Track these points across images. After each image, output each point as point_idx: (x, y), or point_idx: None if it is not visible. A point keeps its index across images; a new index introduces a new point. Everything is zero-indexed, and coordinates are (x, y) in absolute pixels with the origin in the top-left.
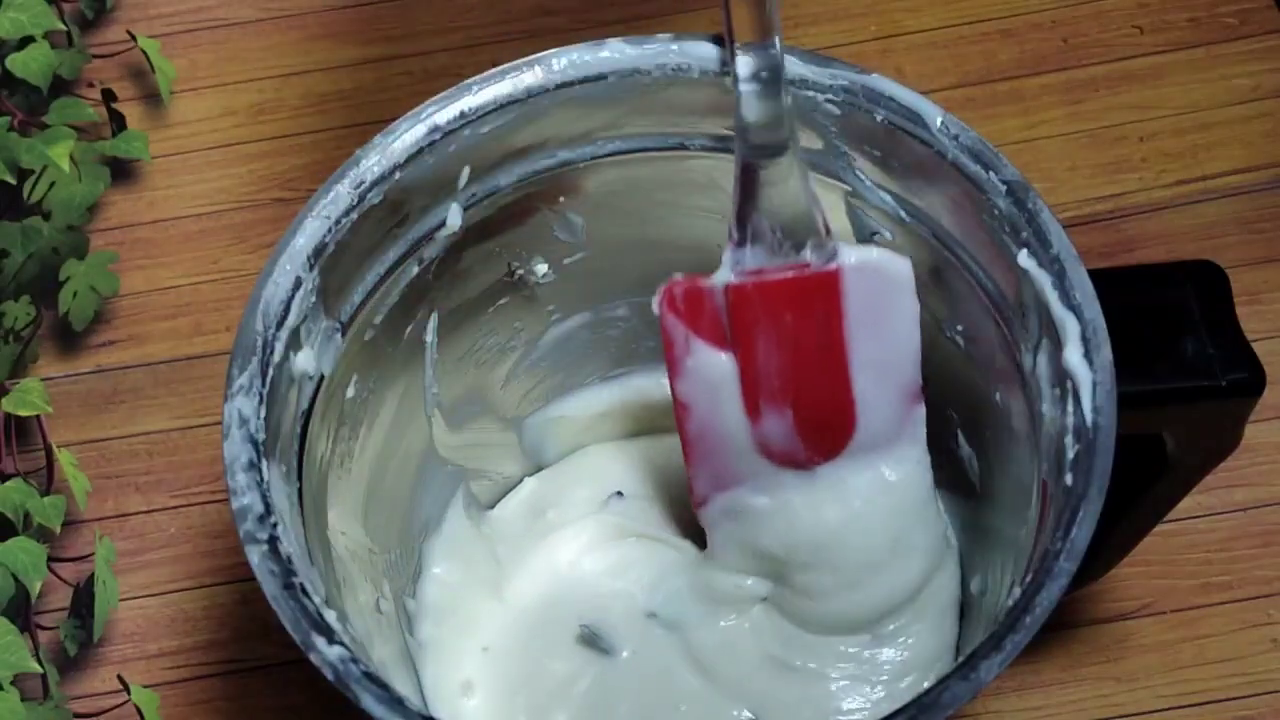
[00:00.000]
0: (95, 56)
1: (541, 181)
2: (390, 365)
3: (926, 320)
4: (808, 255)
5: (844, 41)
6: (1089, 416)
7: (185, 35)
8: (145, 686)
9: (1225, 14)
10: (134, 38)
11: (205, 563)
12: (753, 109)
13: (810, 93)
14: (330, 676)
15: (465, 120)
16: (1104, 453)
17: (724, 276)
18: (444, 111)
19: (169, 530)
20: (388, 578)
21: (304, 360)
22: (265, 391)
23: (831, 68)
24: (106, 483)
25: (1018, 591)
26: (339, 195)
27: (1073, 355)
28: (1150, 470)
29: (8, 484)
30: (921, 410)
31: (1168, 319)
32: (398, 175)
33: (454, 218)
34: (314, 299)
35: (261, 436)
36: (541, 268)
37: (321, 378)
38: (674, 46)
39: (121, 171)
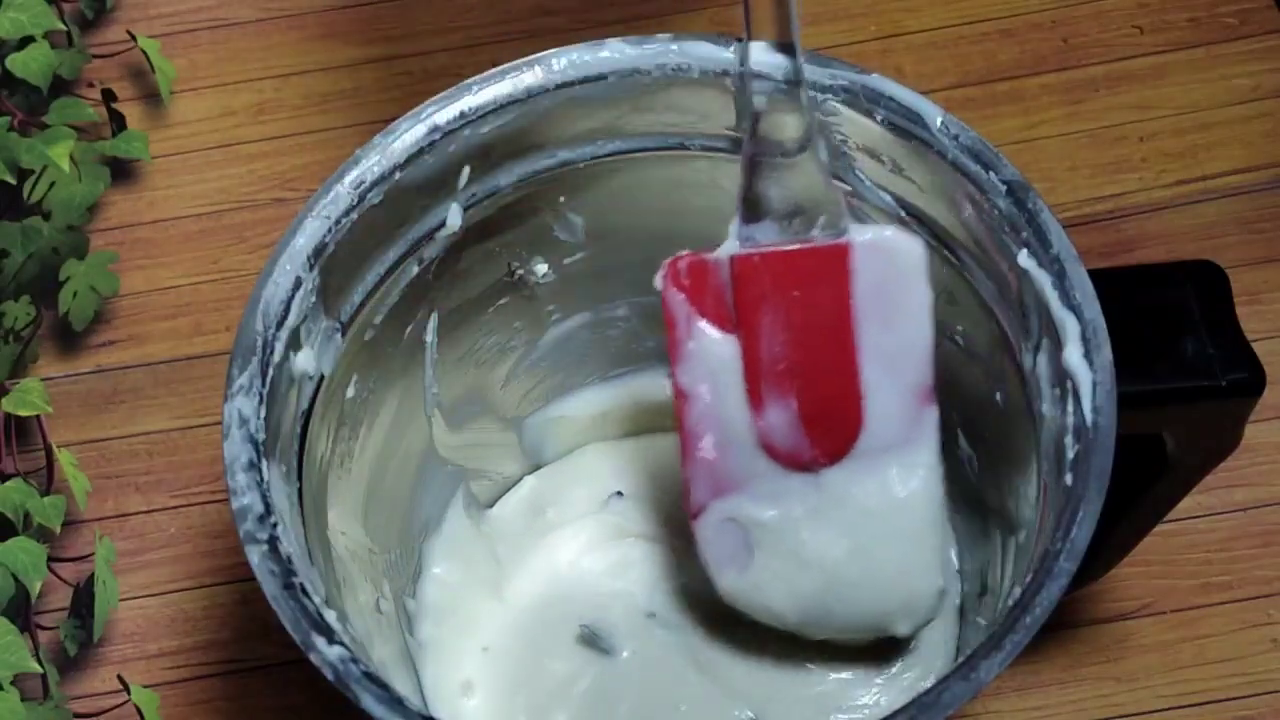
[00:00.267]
0: (95, 56)
1: (541, 181)
2: (390, 365)
3: None
4: (817, 234)
5: (844, 41)
6: (1089, 416)
7: (185, 35)
8: (145, 686)
9: (1225, 14)
10: (134, 38)
11: (205, 563)
12: (770, 108)
13: (810, 93)
14: (330, 676)
15: (465, 120)
16: (1104, 453)
17: (730, 248)
18: (444, 111)
19: (169, 530)
20: (388, 578)
21: (304, 360)
22: (265, 391)
23: (831, 68)
24: (106, 483)
25: (1018, 591)
26: (339, 195)
27: (1073, 355)
28: (1150, 470)
29: (8, 484)
30: (934, 413)
31: (1168, 319)
32: (398, 175)
33: (454, 218)
34: (314, 299)
35: (261, 436)
36: (541, 268)
37: (321, 378)
38: (674, 46)
39: (121, 171)
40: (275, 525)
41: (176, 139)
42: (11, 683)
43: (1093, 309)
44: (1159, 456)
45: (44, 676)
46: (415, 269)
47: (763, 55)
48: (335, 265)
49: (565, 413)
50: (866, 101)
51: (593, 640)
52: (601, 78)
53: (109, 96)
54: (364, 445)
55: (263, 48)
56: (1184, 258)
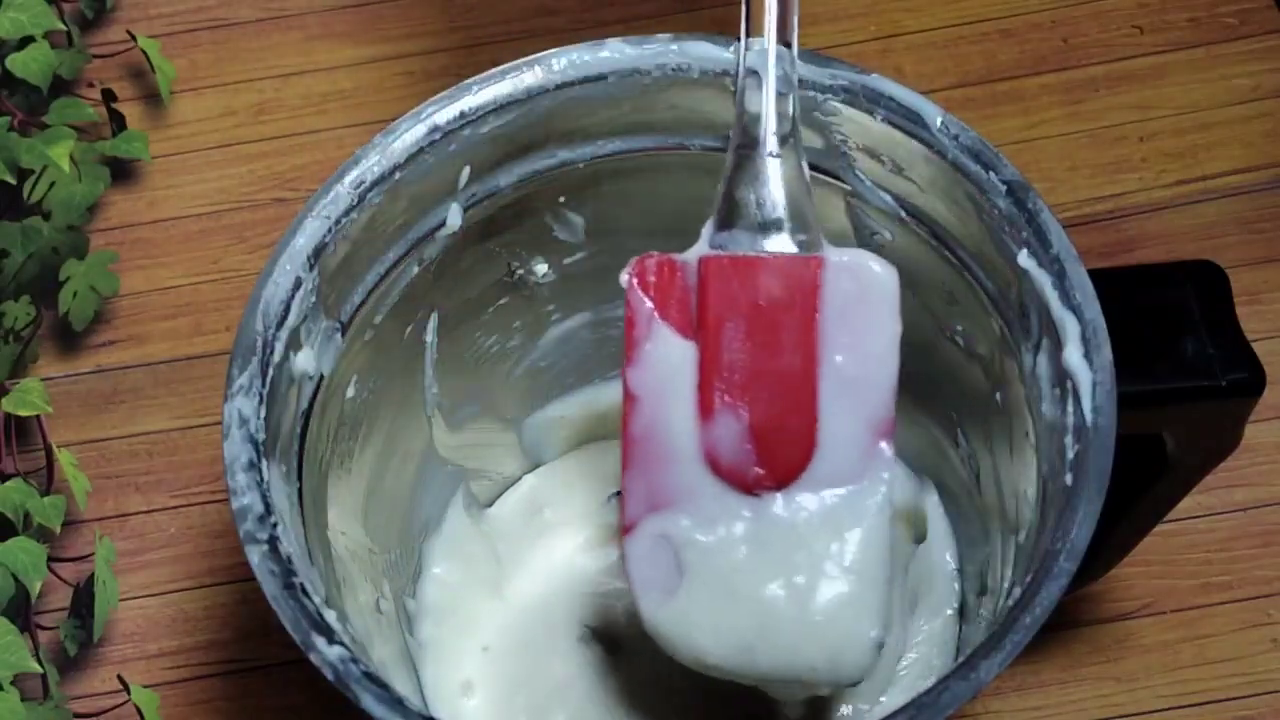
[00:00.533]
0: (95, 56)
1: (541, 181)
2: (390, 365)
3: (926, 320)
4: (790, 247)
5: (844, 41)
6: (1089, 416)
7: (185, 35)
8: (145, 686)
9: (1225, 14)
10: (134, 38)
11: (205, 563)
12: (758, 106)
13: (810, 93)
14: (330, 676)
15: (465, 120)
16: (1104, 453)
17: (700, 250)
18: (444, 111)
19: (169, 530)
20: (388, 578)
21: (304, 360)
22: (265, 391)
23: (831, 68)
24: (106, 483)
25: (1018, 591)
26: (339, 195)
27: (1073, 355)
28: (1150, 470)
29: (8, 484)
30: (888, 453)
31: (1168, 319)
32: (398, 175)
33: (454, 218)
34: (314, 299)
35: (261, 436)
36: (541, 268)
37: (321, 378)
38: (674, 46)
39: (121, 171)
40: (275, 525)
41: (176, 139)
42: (11, 683)
43: (1093, 309)
44: (1159, 456)
45: (44, 676)
46: (415, 269)
47: (758, 56)
48: (335, 265)
49: (565, 413)
50: (866, 101)
51: (593, 640)
52: (601, 78)
53: (109, 96)
54: (364, 445)
55: (263, 48)
56: (1184, 258)
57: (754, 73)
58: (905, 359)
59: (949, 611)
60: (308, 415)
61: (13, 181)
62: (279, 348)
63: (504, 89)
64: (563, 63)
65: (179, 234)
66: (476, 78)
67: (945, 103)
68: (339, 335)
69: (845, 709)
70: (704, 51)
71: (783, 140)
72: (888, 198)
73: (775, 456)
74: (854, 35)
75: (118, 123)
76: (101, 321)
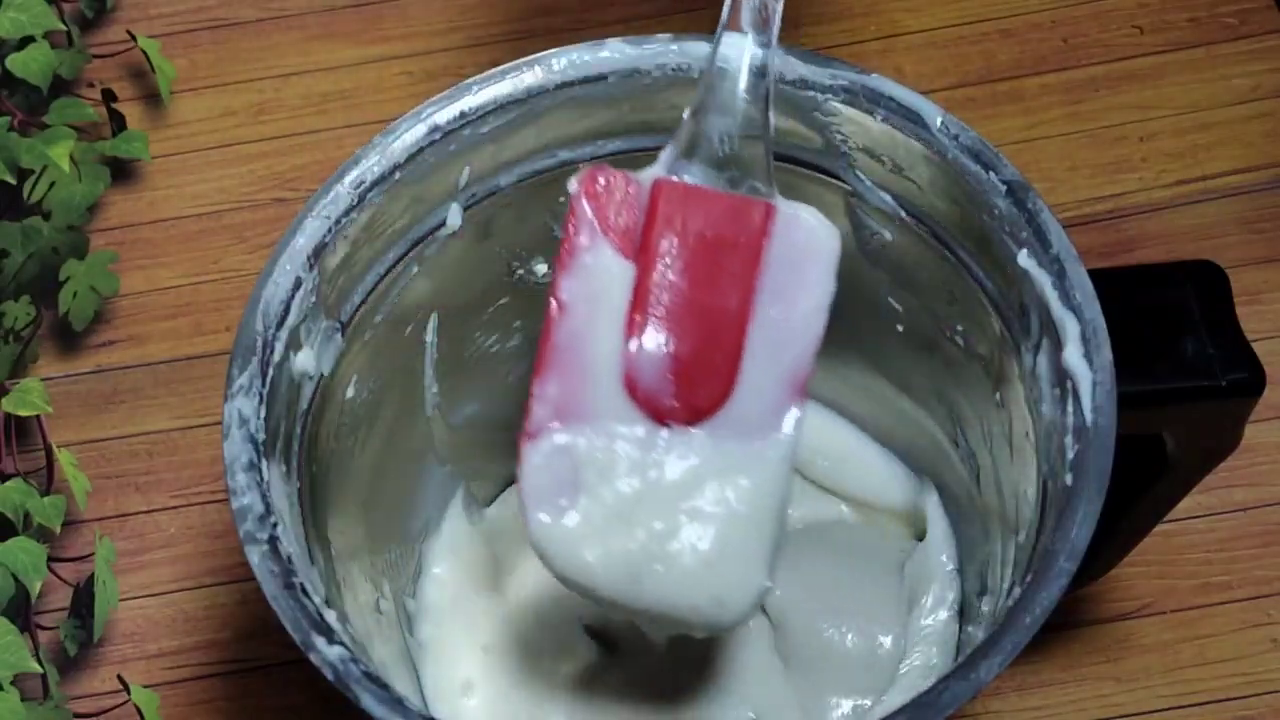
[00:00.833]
0: (95, 56)
1: (541, 181)
2: (390, 365)
3: (926, 320)
4: (744, 188)
5: (844, 41)
6: (1089, 416)
7: (185, 35)
8: (145, 686)
9: (1225, 14)
10: (134, 38)
11: (205, 563)
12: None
13: (810, 93)
14: (330, 676)
15: (465, 120)
16: (1104, 453)
17: (656, 173)
18: (444, 111)
19: (169, 530)
20: (388, 578)
21: (304, 360)
22: (265, 391)
23: (831, 68)
24: (106, 483)
25: (1018, 591)
26: (339, 195)
27: (1073, 355)
28: (1150, 470)
29: (8, 484)
30: (798, 414)
31: (1168, 319)
32: (398, 175)
33: (454, 218)
34: (314, 299)
35: (261, 436)
36: (541, 268)
37: (321, 378)
38: (674, 46)
39: (121, 171)
40: (275, 525)
41: (176, 139)
42: (11, 683)
43: (1093, 309)
44: (1159, 456)
45: (44, 676)
46: (415, 269)
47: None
48: (335, 265)
49: None
50: (866, 101)
51: (592, 640)
52: (601, 78)
53: (109, 96)
54: (364, 445)
55: (263, 48)
56: (1184, 258)
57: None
58: (906, 360)
59: (949, 611)
60: (308, 415)
61: (13, 181)
62: (279, 348)
63: (504, 89)
64: (563, 63)
65: (179, 234)
66: (476, 78)
67: (945, 103)
68: (339, 335)
69: (845, 708)
70: (704, 51)
71: (755, 82)
72: (888, 198)
73: (693, 392)
74: (854, 35)
75: (118, 123)
76: (101, 321)
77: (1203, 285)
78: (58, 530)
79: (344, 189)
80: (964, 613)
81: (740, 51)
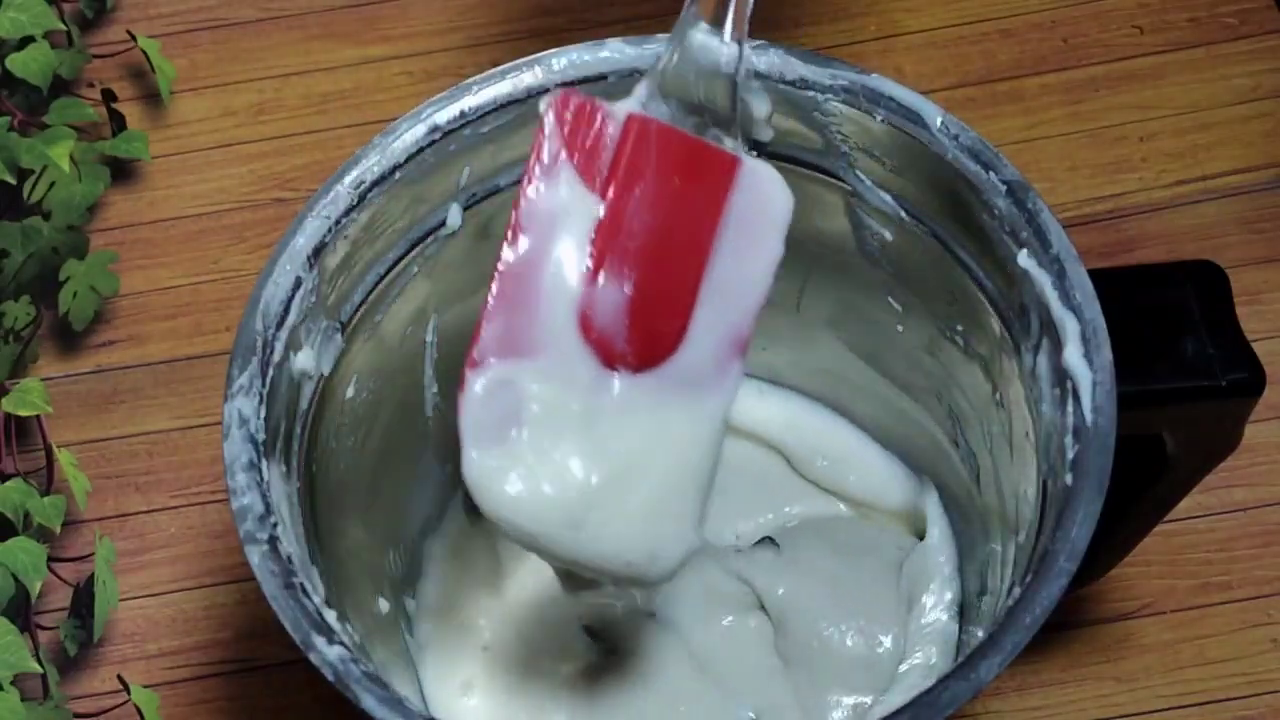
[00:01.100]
0: (95, 56)
1: None
2: (390, 365)
3: (926, 320)
4: (713, 137)
5: (844, 41)
6: (1089, 416)
7: (185, 35)
8: (145, 686)
9: (1225, 14)
10: (134, 38)
11: (205, 563)
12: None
13: (810, 93)
14: (330, 676)
15: (465, 120)
16: (1104, 453)
17: (630, 107)
18: (444, 111)
19: (169, 530)
20: (388, 578)
21: (304, 360)
22: (265, 391)
23: (831, 68)
24: (106, 483)
25: (1018, 591)
26: (339, 195)
27: (1073, 355)
28: (1150, 470)
29: (8, 484)
30: (739, 370)
31: (1168, 319)
32: (398, 175)
33: (454, 218)
34: (314, 299)
35: (261, 436)
36: None
37: (321, 377)
38: None
39: (121, 171)
40: (275, 525)
41: (176, 139)
42: (11, 683)
43: (1093, 309)
44: (1159, 456)
45: (44, 676)
46: (415, 269)
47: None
48: (335, 265)
49: None
50: (866, 101)
51: (592, 640)
52: (601, 78)
53: (109, 96)
54: (364, 445)
55: (263, 48)
56: (1184, 258)
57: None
58: (906, 360)
59: (949, 612)
60: (308, 415)
61: (13, 181)
62: (279, 348)
63: (504, 89)
64: (563, 63)
65: (179, 234)
66: (476, 78)
67: (945, 103)
68: (339, 335)
69: (845, 708)
70: None
71: (735, 30)
72: (888, 198)
73: (645, 338)
74: (854, 35)
75: (118, 123)
76: (101, 321)
77: (1203, 285)
78: (58, 530)
79: (344, 189)
80: (964, 613)
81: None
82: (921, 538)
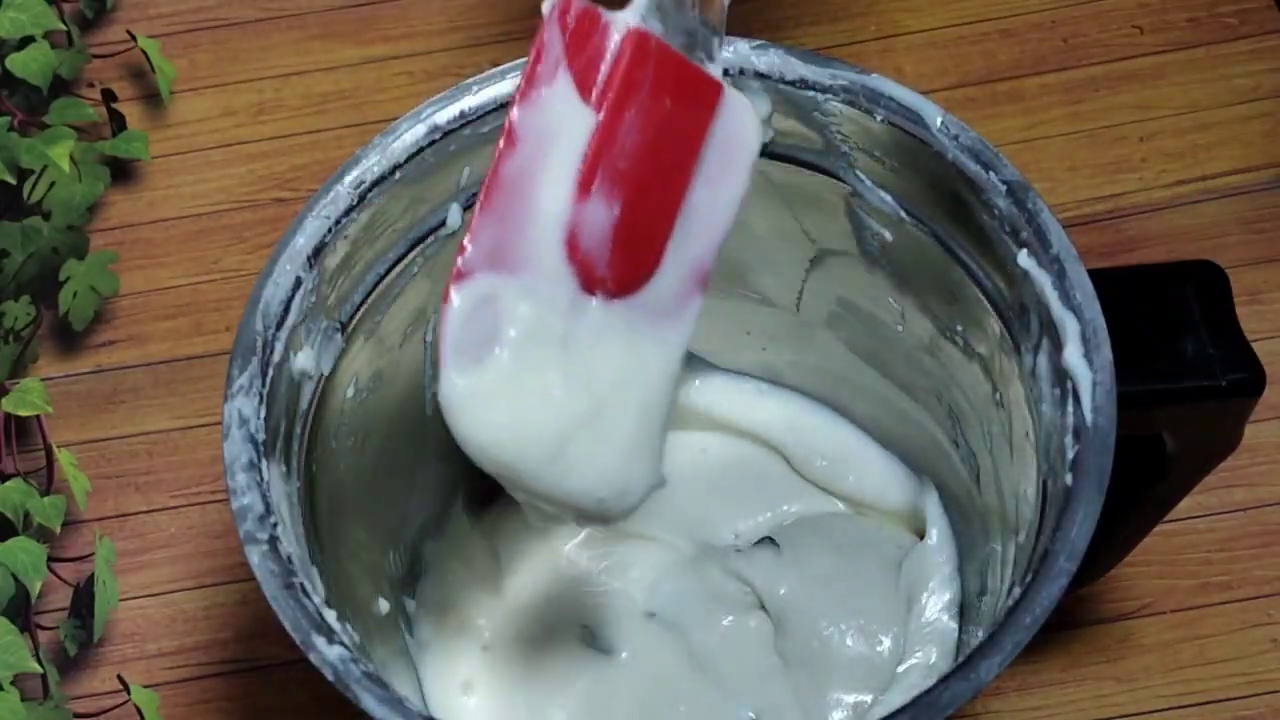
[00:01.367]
0: (95, 56)
1: None
2: (390, 365)
3: (926, 320)
4: (702, 61)
5: (844, 41)
6: (1089, 416)
7: (185, 35)
8: (145, 686)
9: (1225, 14)
10: (134, 38)
11: (205, 563)
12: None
13: (810, 93)
14: (330, 676)
15: (465, 120)
16: (1104, 453)
17: (631, 20)
18: (444, 111)
19: (169, 530)
20: (388, 578)
21: (304, 360)
22: (265, 391)
23: (831, 68)
24: (106, 483)
25: (1018, 591)
26: (339, 195)
27: (1073, 355)
28: (1150, 470)
29: (8, 484)
30: (699, 304)
31: (1168, 319)
32: (398, 175)
33: (454, 218)
34: (314, 299)
35: (261, 436)
36: None
37: (321, 377)
38: None
39: (121, 171)
40: (275, 525)
41: (176, 139)
42: (11, 683)
43: (1093, 309)
44: (1159, 456)
45: (44, 676)
46: (415, 269)
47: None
48: (335, 265)
49: None
50: (866, 101)
51: (592, 640)
52: None
53: (109, 96)
54: (364, 445)
55: (263, 48)
56: (1184, 258)
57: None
58: (906, 360)
59: (949, 611)
60: (308, 415)
61: (13, 181)
62: (279, 348)
63: (504, 89)
64: None
65: (179, 234)
66: (476, 78)
67: (945, 103)
68: (339, 335)
69: (845, 707)
70: None
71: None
72: (888, 198)
73: (626, 263)
74: (854, 35)
75: (118, 123)
76: (101, 321)
77: (1203, 285)
78: (58, 530)
79: (344, 189)
80: (964, 613)
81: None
82: (921, 537)
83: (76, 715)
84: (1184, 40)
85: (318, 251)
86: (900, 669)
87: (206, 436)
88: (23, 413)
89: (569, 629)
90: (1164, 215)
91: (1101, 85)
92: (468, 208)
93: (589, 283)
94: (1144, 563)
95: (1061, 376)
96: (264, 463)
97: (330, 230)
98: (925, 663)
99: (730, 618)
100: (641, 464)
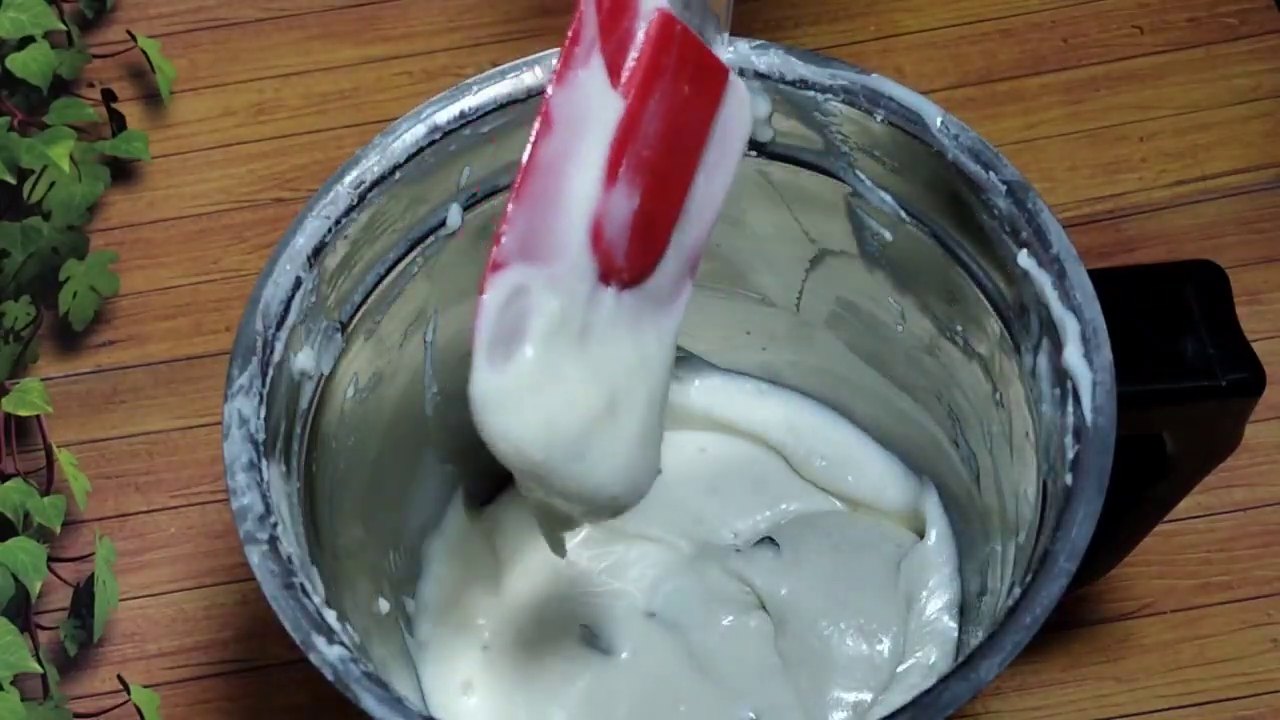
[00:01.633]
0: (95, 56)
1: None
2: (390, 365)
3: (926, 320)
4: (712, 46)
5: (844, 41)
6: (1089, 416)
7: (185, 35)
8: (145, 686)
9: (1225, 14)
10: (134, 38)
11: (205, 563)
12: None
13: (810, 93)
14: (330, 676)
15: (465, 120)
16: (1104, 453)
17: (659, 1)
18: (444, 111)
19: (169, 530)
20: (388, 578)
21: (304, 360)
22: (265, 391)
23: (831, 68)
24: (106, 483)
25: (1018, 591)
26: (339, 195)
27: (1073, 355)
28: (1150, 470)
29: (8, 484)
30: (689, 291)
31: (1168, 319)
32: (398, 175)
33: (454, 218)
34: (314, 299)
35: (261, 436)
36: None
37: (321, 377)
38: None
39: (121, 171)
40: (275, 525)
41: (176, 139)
42: (11, 683)
43: (1093, 309)
44: (1159, 456)
45: (44, 676)
46: (415, 269)
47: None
48: (335, 265)
49: None
50: (866, 101)
51: (592, 640)
52: None
53: (109, 96)
54: (364, 445)
55: (263, 48)
56: (1184, 258)
57: None
58: (906, 360)
59: (949, 611)
60: (308, 415)
61: (13, 181)
62: (279, 348)
63: (504, 89)
64: None
65: (179, 234)
66: (476, 78)
67: (945, 103)
68: (339, 335)
69: (845, 707)
70: None
71: None
72: (888, 198)
73: (640, 252)
74: (854, 35)
75: (118, 123)
76: (101, 321)
77: (1203, 285)
78: (58, 530)
79: (344, 189)
80: (964, 613)
81: None
82: (921, 537)
83: (76, 715)
84: (1184, 40)
85: (318, 251)
86: (900, 669)
87: (206, 436)
88: (23, 413)
89: (569, 629)
90: (1164, 215)
91: (1101, 85)
92: (468, 208)
93: (607, 273)
94: (1144, 563)
95: (1061, 376)
96: (264, 463)
97: (330, 230)
98: (925, 663)
99: (730, 617)
100: (650, 456)
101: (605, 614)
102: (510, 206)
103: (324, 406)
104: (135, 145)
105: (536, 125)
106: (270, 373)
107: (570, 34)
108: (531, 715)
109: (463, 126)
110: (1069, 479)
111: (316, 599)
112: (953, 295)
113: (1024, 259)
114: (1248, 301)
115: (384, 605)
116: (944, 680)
